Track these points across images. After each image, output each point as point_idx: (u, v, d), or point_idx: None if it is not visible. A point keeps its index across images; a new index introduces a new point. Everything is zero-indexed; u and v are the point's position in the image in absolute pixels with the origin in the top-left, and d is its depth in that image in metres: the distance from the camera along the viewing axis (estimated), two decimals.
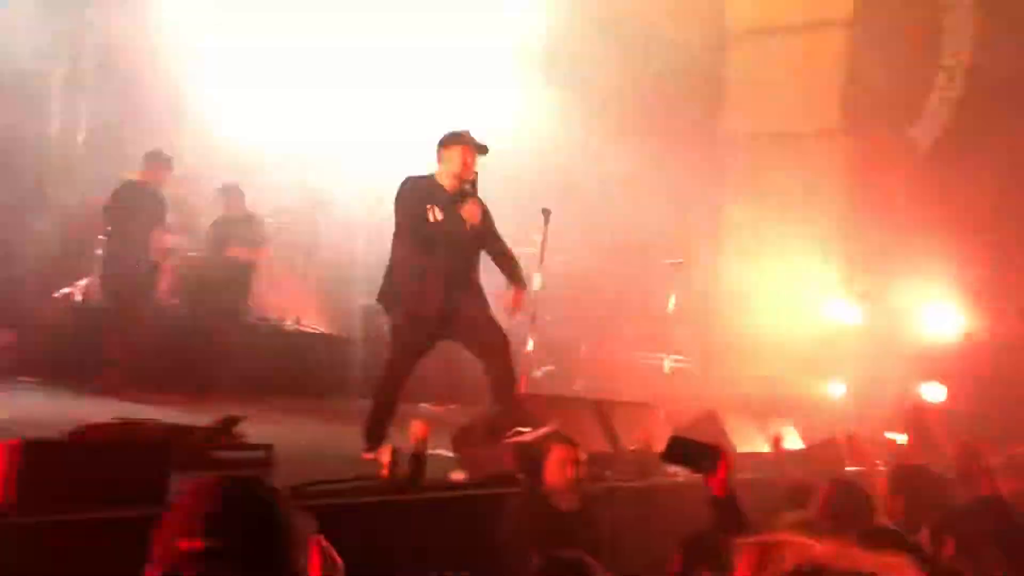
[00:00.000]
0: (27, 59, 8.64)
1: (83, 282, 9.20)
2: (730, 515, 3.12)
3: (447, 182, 5.58)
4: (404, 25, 10.91)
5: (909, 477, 4.24)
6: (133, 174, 8.71)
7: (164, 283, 9.13)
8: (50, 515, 2.88)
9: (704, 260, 9.58)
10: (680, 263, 8.53)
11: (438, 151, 5.63)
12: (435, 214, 5.47)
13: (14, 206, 8.49)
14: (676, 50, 11.55)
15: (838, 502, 3.62)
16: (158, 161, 8.54)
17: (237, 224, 9.58)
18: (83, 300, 9.13)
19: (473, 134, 5.66)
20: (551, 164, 10.64)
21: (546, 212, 7.46)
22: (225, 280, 9.34)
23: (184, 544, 1.62)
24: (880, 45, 10.79)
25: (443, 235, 5.47)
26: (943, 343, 10.15)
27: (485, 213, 5.68)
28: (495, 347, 5.58)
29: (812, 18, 11.58)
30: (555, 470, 4.24)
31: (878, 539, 2.59)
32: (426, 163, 5.79)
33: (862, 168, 10.92)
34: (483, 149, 5.60)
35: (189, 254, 9.46)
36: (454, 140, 5.59)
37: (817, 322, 10.80)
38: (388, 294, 5.65)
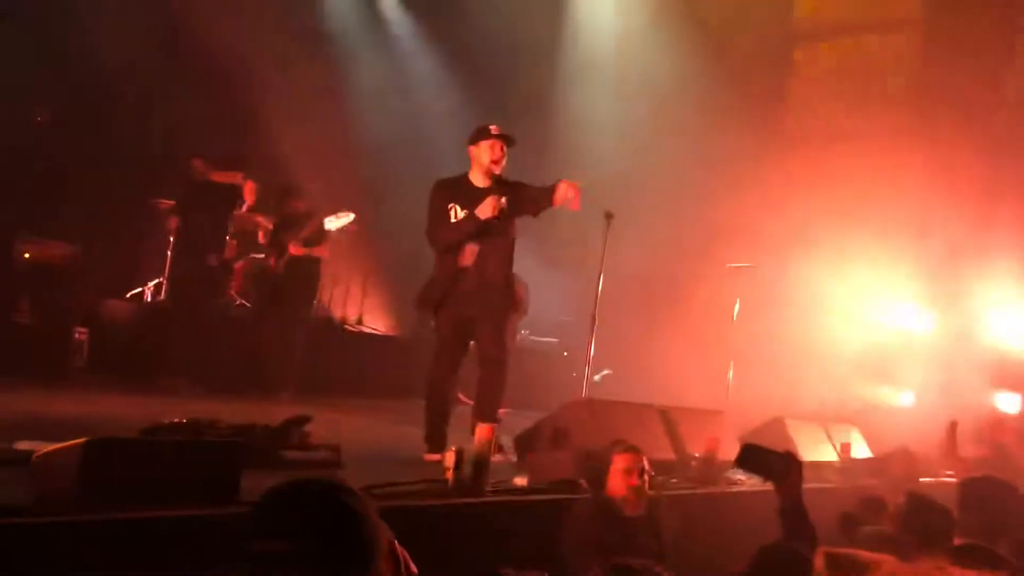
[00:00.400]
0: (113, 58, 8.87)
1: (153, 282, 9.43)
2: (799, 525, 3.06)
3: (478, 179, 5.60)
4: None
5: (982, 489, 4.11)
6: (204, 175, 8.91)
7: (235, 284, 9.32)
8: (116, 513, 2.90)
9: (771, 264, 9.40)
10: (747, 267, 8.38)
11: (468, 149, 5.64)
12: (456, 213, 5.52)
13: (87, 206, 8.72)
14: (742, 48, 11.41)
15: (918, 517, 3.51)
16: (230, 163, 8.72)
17: (298, 223, 9.70)
18: (153, 300, 9.35)
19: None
20: (612, 165, 10.58)
21: (608, 215, 7.39)
22: (291, 281, 9.46)
23: (264, 545, 1.63)
24: (951, 43, 10.50)
25: (460, 236, 5.53)
26: (1019, 351, 9.82)
27: (514, 192, 5.62)
28: (495, 362, 5.61)
29: (880, 17, 11.31)
30: (619, 478, 4.21)
31: (971, 556, 2.49)
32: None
33: (933, 169, 10.63)
34: (510, 140, 5.59)
35: (256, 256, 9.60)
36: (480, 136, 5.59)
37: (886, 328, 10.55)
38: (423, 295, 5.74)
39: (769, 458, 3.09)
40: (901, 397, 10.36)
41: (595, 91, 11.84)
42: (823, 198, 10.61)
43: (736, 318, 8.31)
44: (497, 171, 5.56)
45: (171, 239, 9.23)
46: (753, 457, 3.13)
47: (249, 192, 9.84)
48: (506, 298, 5.76)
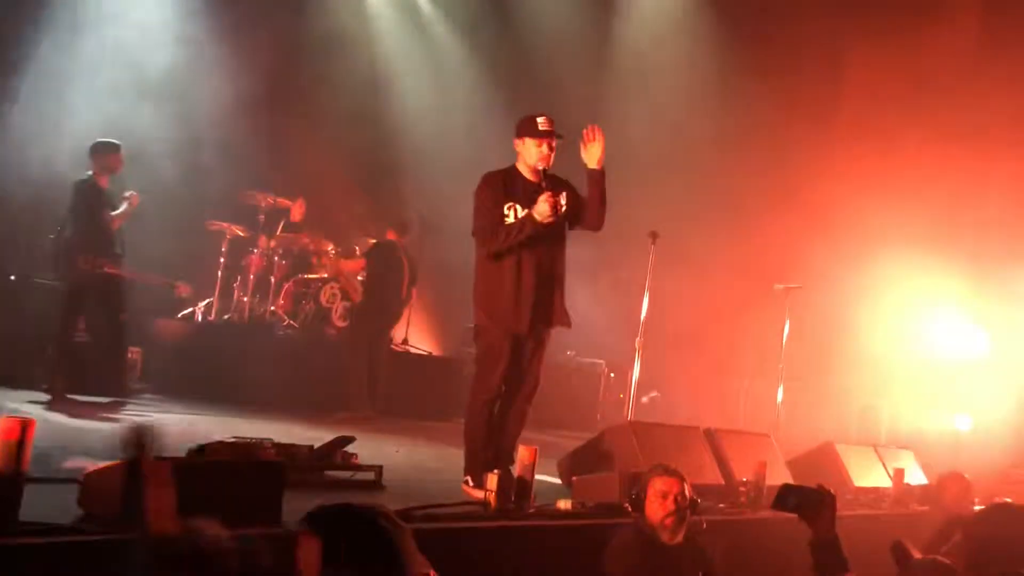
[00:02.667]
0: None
1: (204, 302, 9.58)
2: (832, 558, 3.01)
3: (527, 172, 5.06)
4: None
5: None
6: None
7: (284, 304, 9.44)
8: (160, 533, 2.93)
9: (820, 284, 9.26)
10: (795, 287, 8.26)
11: (514, 141, 5.11)
12: (516, 213, 4.97)
13: (139, 229, 8.90)
14: (788, 64, 11.33)
15: (982, 546, 3.39)
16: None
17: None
18: (204, 320, 9.50)
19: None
20: (656, 184, 10.55)
21: (653, 234, 7.34)
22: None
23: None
24: (1005, 47, 10.30)
25: (516, 238, 4.93)
26: None
27: (570, 193, 5.09)
28: (536, 388, 5.15)
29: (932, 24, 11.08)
30: (655, 502, 4.03)
31: None
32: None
33: (988, 183, 10.39)
34: (558, 136, 5.02)
35: (307, 276, 9.72)
36: (531, 130, 5.03)
37: (941, 350, 10.32)
38: (486, 308, 5.07)
39: (804, 496, 3.05)
40: (957, 421, 10.11)
41: (639, 105, 11.81)
42: (872, 217, 10.45)
43: (785, 340, 8.17)
44: (542, 167, 4.98)
45: (221, 260, 9.39)
46: (789, 497, 3.09)
47: (297, 211, 9.97)
48: (562, 315, 5.16)
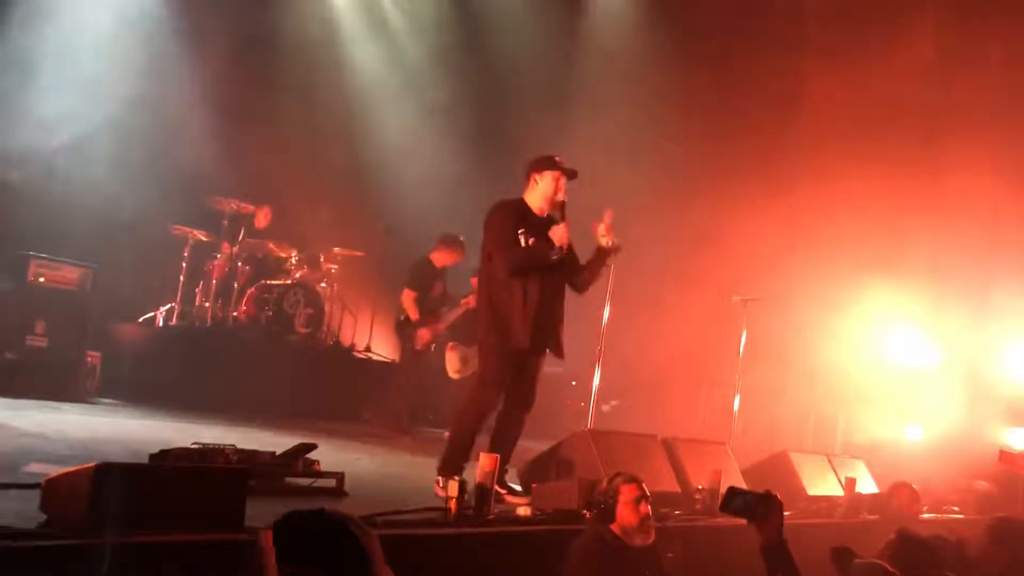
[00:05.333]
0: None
1: (165, 307, 9.53)
2: (781, 563, 3.11)
3: (537, 206, 5.45)
4: None
5: (1013, 529, 4.13)
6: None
7: (246, 310, 9.41)
8: (125, 538, 2.95)
9: (777, 296, 9.43)
10: (753, 299, 8.42)
11: (529, 174, 5.50)
12: (527, 240, 5.33)
13: (101, 233, 8.84)
14: (749, 76, 11.54)
15: (904, 553, 3.54)
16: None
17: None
18: (165, 325, 9.45)
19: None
20: (618, 194, 10.67)
21: (616, 247, 7.43)
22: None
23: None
24: (963, 74, 10.59)
25: (534, 261, 5.32)
26: None
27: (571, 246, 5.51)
28: (531, 405, 5.48)
29: (891, 45, 11.31)
30: (628, 508, 4.23)
31: None
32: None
33: (942, 200, 10.64)
34: (573, 173, 5.47)
35: (271, 282, 9.70)
36: (549, 164, 5.45)
37: (894, 362, 10.55)
38: (483, 322, 5.43)
39: (750, 499, 3.15)
40: (908, 431, 10.34)
41: (599, 114, 11.95)
42: (830, 231, 10.66)
43: (742, 350, 8.33)
44: (560, 200, 5.42)
45: (184, 264, 9.35)
46: (735, 500, 3.19)
47: (262, 218, 9.96)
48: (559, 345, 5.50)
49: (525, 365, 5.42)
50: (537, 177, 5.46)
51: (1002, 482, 7.92)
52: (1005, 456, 8.16)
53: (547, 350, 5.50)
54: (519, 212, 5.41)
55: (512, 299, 5.30)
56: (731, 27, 11.51)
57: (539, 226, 5.39)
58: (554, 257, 5.33)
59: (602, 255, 5.55)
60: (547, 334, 5.42)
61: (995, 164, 10.07)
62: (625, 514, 4.21)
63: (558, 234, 5.31)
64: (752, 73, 11.54)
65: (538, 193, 5.45)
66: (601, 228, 5.51)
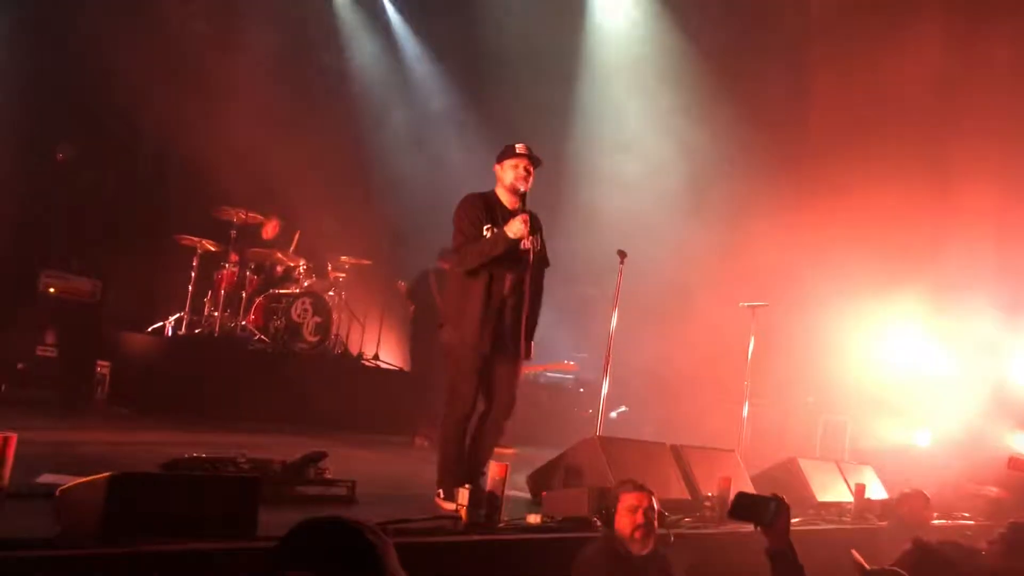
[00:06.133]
0: None
1: (174, 317, 9.57)
2: (788, 567, 3.11)
3: (506, 198, 5.27)
4: None
5: None
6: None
7: (254, 319, 9.45)
8: (138, 547, 2.97)
9: (785, 302, 9.43)
10: (761, 306, 8.42)
11: (495, 167, 5.33)
12: (491, 232, 5.14)
13: (112, 242, 8.91)
14: (760, 82, 11.55)
15: (922, 567, 3.53)
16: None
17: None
18: (174, 334, 9.48)
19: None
20: (625, 205, 10.70)
21: (621, 253, 7.45)
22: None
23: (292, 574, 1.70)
24: (967, 87, 10.58)
25: (490, 256, 5.08)
26: None
27: (540, 234, 5.32)
28: (511, 406, 5.24)
29: (899, 60, 11.32)
30: (625, 516, 4.21)
31: None
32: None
33: (948, 208, 10.63)
34: (537, 161, 5.25)
35: (279, 291, 9.74)
36: (508, 153, 5.28)
37: (904, 367, 10.52)
38: (447, 319, 5.24)
39: (758, 504, 3.16)
40: (917, 436, 10.32)
41: (607, 125, 11.98)
42: (839, 236, 10.66)
43: (750, 356, 8.33)
44: (522, 189, 5.20)
45: (192, 274, 9.40)
46: (744, 505, 3.20)
47: (270, 229, 10.01)
48: (522, 346, 5.24)
49: (495, 367, 5.18)
50: (499, 168, 5.29)
51: (1012, 488, 7.89)
52: (1015, 462, 8.14)
53: (511, 351, 5.21)
54: (485, 205, 5.21)
55: (473, 297, 5.11)
56: (744, 37, 11.53)
57: (510, 216, 5.15)
58: (502, 249, 5.05)
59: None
60: (510, 334, 5.19)
61: (1009, 171, 10.05)
62: (621, 522, 4.21)
63: (514, 227, 5.05)
64: (768, 83, 11.55)
65: (502, 183, 5.27)
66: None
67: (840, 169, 10.89)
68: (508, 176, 5.23)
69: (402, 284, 9.96)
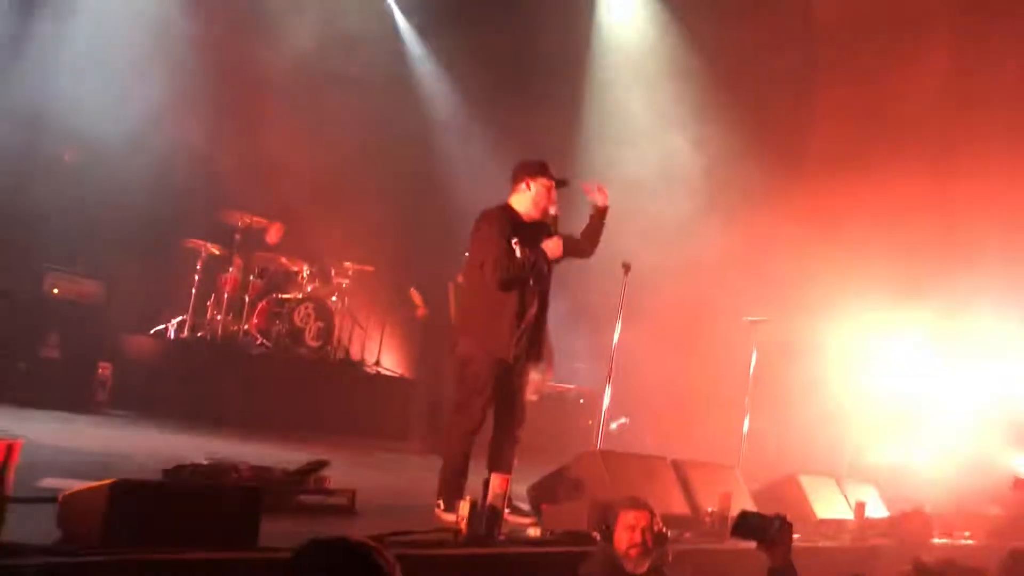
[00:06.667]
0: None
1: (177, 319, 9.58)
2: None
3: (525, 212, 5.34)
4: None
5: None
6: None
7: (257, 323, 9.45)
8: (139, 555, 2.98)
9: (788, 317, 9.43)
10: (763, 320, 8.42)
11: (521, 178, 5.36)
12: (521, 249, 5.20)
13: (115, 246, 8.91)
14: (762, 94, 11.58)
15: None
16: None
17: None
18: (176, 337, 9.49)
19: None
20: (631, 215, 10.68)
21: (626, 265, 7.45)
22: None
23: None
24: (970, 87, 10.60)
25: (527, 272, 5.22)
26: None
27: (562, 236, 5.43)
28: (524, 418, 5.37)
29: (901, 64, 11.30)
30: (623, 534, 4.18)
31: None
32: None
33: (954, 222, 10.61)
34: (564, 182, 5.38)
35: (282, 296, 9.74)
36: (542, 171, 5.34)
37: (906, 385, 10.51)
38: (468, 332, 5.32)
39: (762, 523, 3.17)
40: (917, 454, 10.29)
41: (613, 139, 11.98)
42: (843, 253, 10.65)
43: (752, 371, 8.32)
44: (553, 212, 5.36)
45: (196, 277, 9.41)
46: (746, 522, 3.20)
47: (274, 233, 10.02)
48: (544, 350, 5.53)
49: (511, 378, 5.29)
50: (530, 183, 5.32)
51: (1014, 508, 7.87)
52: (1020, 483, 8.14)
53: (534, 360, 5.43)
54: (511, 221, 5.28)
55: (504, 310, 5.19)
56: (746, 46, 11.53)
57: (529, 232, 5.27)
58: (546, 269, 5.29)
59: (600, 214, 5.51)
60: (536, 346, 5.37)
61: (1012, 184, 10.03)
62: (619, 539, 4.20)
63: (551, 247, 5.25)
64: (767, 85, 11.57)
65: (527, 199, 5.33)
66: (593, 187, 5.52)
67: (844, 183, 10.88)
68: (540, 194, 5.32)
69: (415, 292, 9.95)
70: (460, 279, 9.17)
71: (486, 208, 5.41)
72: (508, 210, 5.34)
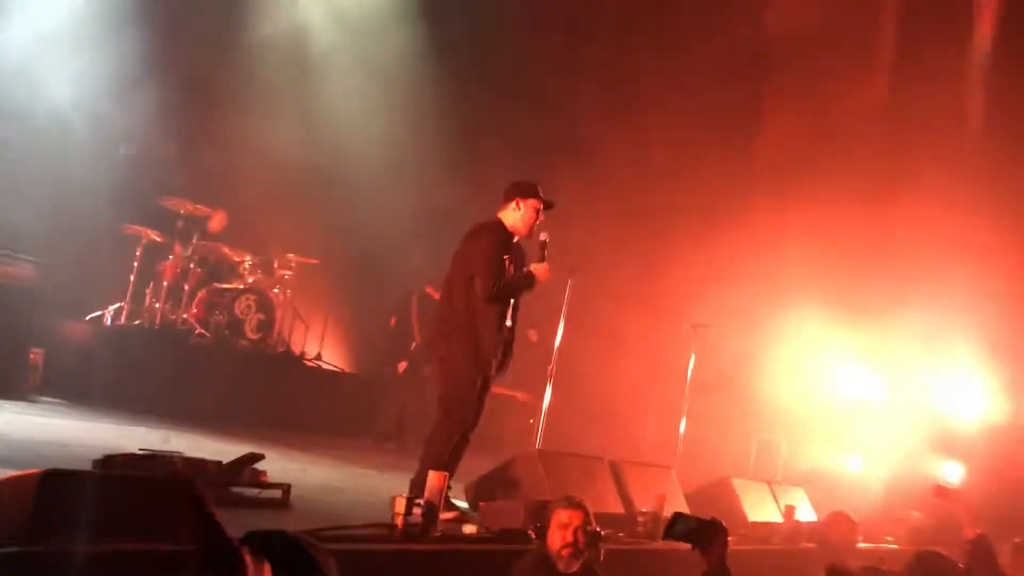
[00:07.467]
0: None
1: (114, 306, 9.39)
2: None
3: (515, 231, 5.54)
4: None
5: (931, 563, 4.25)
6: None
7: (196, 312, 9.30)
8: (68, 546, 2.92)
9: (728, 324, 9.58)
10: (703, 326, 8.56)
11: (512, 198, 5.52)
12: (510, 266, 5.43)
13: (52, 228, 8.69)
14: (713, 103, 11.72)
15: None
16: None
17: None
18: (113, 324, 9.30)
19: None
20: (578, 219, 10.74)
21: (572, 269, 7.50)
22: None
23: None
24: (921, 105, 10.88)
25: (518, 290, 5.47)
26: (965, 422, 10.10)
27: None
28: (475, 424, 5.53)
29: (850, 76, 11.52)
30: (556, 533, 4.20)
31: None
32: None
33: (894, 234, 10.87)
34: (550, 204, 5.58)
35: (221, 285, 9.60)
36: (533, 192, 5.52)
37: (839, 392, 10.76)
38: (454, 343, 5.43)
39: (695, 525, 3.21)
40: (850, 461, 10.55)
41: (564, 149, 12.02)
42: (782, 263, 10.85)
43: (690, 375, 8.45)
44: (542, 238, 5.61)
45: (135, 264, 9.24)
46: (680, 525, 3.24)
47: (217, 222, 9.87)
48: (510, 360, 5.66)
49: (485, 387, 5.52)
50: (520, 203, 5.50)
51: (934, 514, 8.10)
52: (940, 490, 8.37)
53: (503, 373, 5.64)
54: (506, 239, 5.47)
55: (491, 322, 5.38)
56: (694, 56, 11.66)
57: (515, 251, 5.54)
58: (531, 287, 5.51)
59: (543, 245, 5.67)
60: (506, 355, 5.55)
61: (948, 199, 10.31)
62: (552, 538, 4.22)
63: (541, 271, 5.48)
64: (711, 104, 11.71)
65: (516, 217, 5.51)
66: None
67: (784, 191, 11.09)
68: (529, 215, 5.50)
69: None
70: (428, 290, 9.25)
71: (482, 221, 5.58)
72: (503, 229, 5.53)
